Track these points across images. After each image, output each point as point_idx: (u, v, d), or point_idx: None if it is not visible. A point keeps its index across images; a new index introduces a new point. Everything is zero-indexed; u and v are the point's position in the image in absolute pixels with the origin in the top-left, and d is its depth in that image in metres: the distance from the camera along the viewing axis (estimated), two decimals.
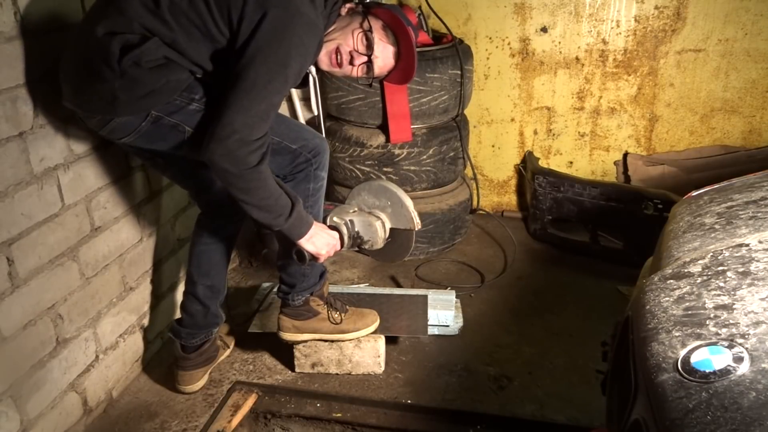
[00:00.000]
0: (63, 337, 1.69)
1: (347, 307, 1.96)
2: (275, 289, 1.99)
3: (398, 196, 1.90)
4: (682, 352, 0.88)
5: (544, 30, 2.87)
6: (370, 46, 1.61)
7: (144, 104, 1.46)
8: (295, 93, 2.78)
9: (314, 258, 1.71)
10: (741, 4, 2.68)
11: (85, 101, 1.48)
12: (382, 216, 1.90)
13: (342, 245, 1.82)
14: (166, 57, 1.43)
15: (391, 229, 1.92)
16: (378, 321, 1.98)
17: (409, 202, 1.90)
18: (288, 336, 1.93)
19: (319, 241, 1.69)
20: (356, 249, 1.91)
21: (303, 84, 1.86)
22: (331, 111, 2.66)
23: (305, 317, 1.90)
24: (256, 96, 1.40)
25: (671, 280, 1.05)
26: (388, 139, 2.52)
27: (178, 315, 1.98)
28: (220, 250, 1.88)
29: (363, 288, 2.45)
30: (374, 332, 1.97)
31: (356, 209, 1.91)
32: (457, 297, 2.38)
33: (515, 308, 2.38)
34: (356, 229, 1.87)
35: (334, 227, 1.81)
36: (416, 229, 1.93)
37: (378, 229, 1.88)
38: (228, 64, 1.45)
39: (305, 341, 1.95)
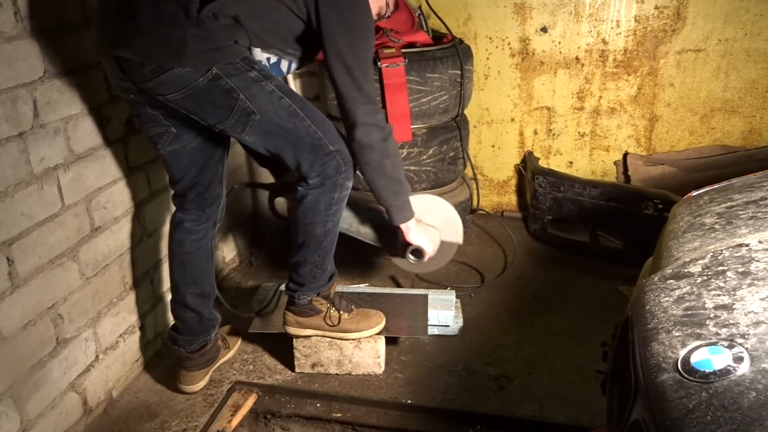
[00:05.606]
0: (63, 337, 1.69)
1: (353, 306, 1.96)
2: (283, 286, 1.99)
3: (454, 212, 2.17)
4: (682, 352, 0.88)
5: (544, 30, 2.87)
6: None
7: (210, 58, 1.45)
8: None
9: (423, 255, 1.93)
10: (741, 4, 2.68)
11: (145, 46, 1.42)
12: (438, 227, 2.09)
13: None
14: (236, 19, 1.48)
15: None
16: (383, 323, 1.97)
17: (459, 220, 2.18)
18: (292, 330, 1.94)
19: (430, 237, 1.94)
20: (414, 256, 2.01)
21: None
22: (331, 111, 2.65)
23: (308, 314, 1.90)
24: (368, 71, 1.63)
25: (671, 280, 1.05)
26: None
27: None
28: (204, 255, 1.83)
29: (363, 288, 2.45)
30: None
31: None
32: (457, 297, 2.38)
33: (515, 308, 2.38)
34: None
35: None
36: (461, 243, 2.20)
37: (438, 239, 2.05)
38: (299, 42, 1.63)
39: (308, 336, 1.95)
